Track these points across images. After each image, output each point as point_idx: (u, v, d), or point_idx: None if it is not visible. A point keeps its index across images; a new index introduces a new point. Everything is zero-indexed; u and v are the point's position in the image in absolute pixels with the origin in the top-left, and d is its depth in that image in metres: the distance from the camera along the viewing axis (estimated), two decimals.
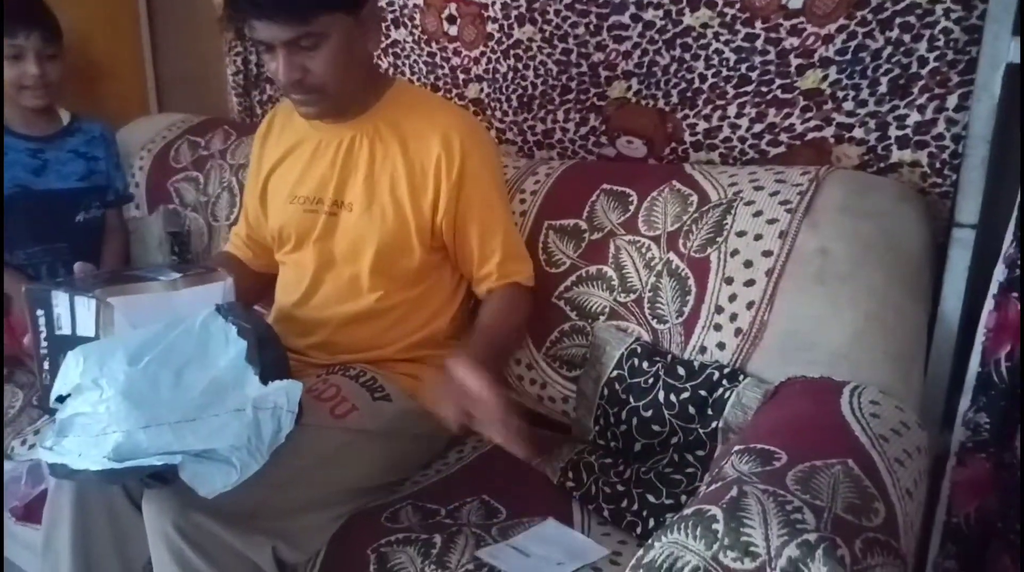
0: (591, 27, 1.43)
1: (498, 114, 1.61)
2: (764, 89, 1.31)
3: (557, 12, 1.45)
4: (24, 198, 1.57)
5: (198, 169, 1.86)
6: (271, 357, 0.99)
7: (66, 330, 1.01)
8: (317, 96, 1.15)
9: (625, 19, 1.39)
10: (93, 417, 0.88)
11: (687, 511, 0.75)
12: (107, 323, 0.98)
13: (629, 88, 1.44)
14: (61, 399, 0.93)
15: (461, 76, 1.63)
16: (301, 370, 1.23)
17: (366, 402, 1.17)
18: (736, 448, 0.87)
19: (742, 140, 1.36)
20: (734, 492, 0.75)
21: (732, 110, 1.35)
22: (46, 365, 1.04)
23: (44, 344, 1.03)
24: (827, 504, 0.73)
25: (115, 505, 1.04)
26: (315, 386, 1.16)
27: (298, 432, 0.98)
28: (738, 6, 1.28)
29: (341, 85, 1.14)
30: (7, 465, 1.36)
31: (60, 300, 1.01)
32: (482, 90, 1.62)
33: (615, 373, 1.19)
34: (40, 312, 1.03)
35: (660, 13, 1.36)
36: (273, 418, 0.94)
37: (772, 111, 1.31)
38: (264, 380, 0.95)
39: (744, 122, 1.35)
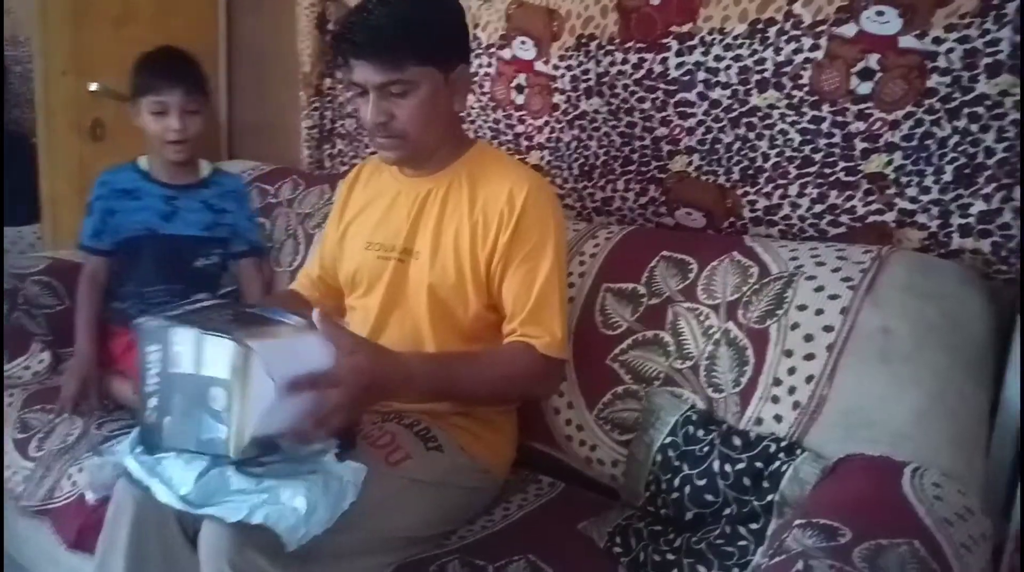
0: (657, 102, 1.48)
1: (558, 181, 1.65)
2: (827, 170, 1.33)
3: (625, 87, 1.51)
4: (150, 241, 1.66)
5: (265, 215, 1.94)
6: (350, 443, 1.06)
7: (186, 369, 0.95)
8: (399, 142, 1.21)
9: (692, 96, 1.44)
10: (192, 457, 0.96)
11: None
12: (244, 367, 0.91)
13: (690, 163, 1.47)
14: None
15: (524, 143, 1.69)
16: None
17: (420, 451, 1.18)
18: (798, 522, 0.86)
19: (802, 219, 1.37)
20: (800, 566, 0.75)
21: (794, 189, 1.37)
22: (154, 402, 0.99)
23: (155, 380, 0.98)
24: None
25: (170, 538, 1.05)
26: (370, 432, 1.18)
27: None
28: (807, 89, 1.32)
29: (422, 135, 1.20)
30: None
31: (183, 337, 0.95)
32: (543, 158, 1.67)
33: (669, 439, 1.19)
34: (154, 348, 0.98)
35: (728, 93, 1.40)
36: (340, 485, 0.98)
37: (834, 193, 1.33)
38: (340, 458, 1.01)
39: (805, 202, 1.36)
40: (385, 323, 1.29)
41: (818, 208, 1.35)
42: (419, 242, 1.26)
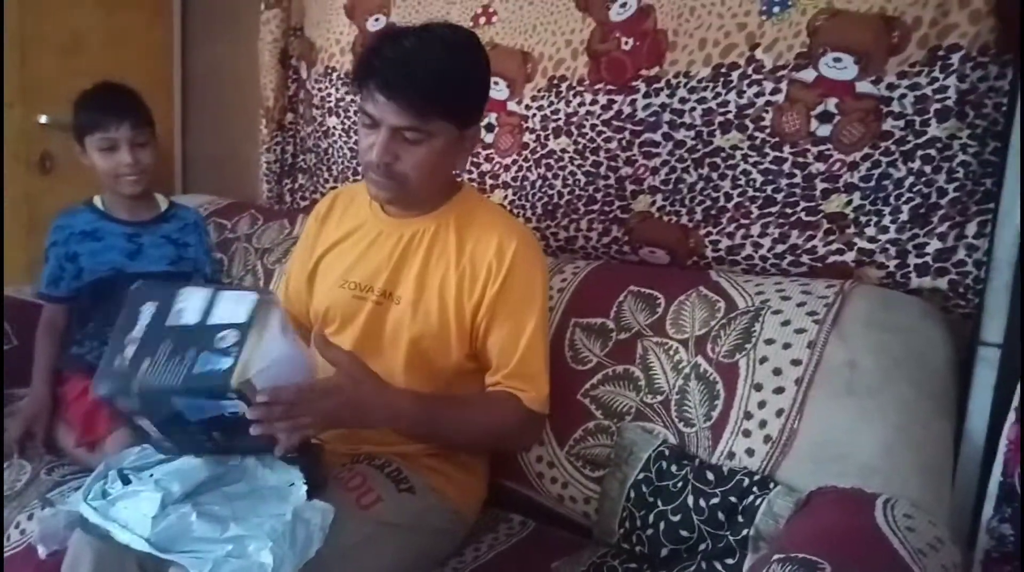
0: (623, 142, 1.51)
1: (520, 219, 1.66)
2: (789, 210, 1.37)
3: (593, 127, 1.54)
4: (117, 280, 1.62)
5: (223, 250, 1.90)
6: (319, 479, 1.03)
7: (188, 321, 0.95)
8: (397, 185, 1.17)
9: (657, 137, 1.47)
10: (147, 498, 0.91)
11: None
12: (263, 317, 0.94)
13: (653, 203, 1.50)
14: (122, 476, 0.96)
15: (489, 181, 1.70)
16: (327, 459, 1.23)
17: (391, 493, 1.16)
18: (776, 556, 0.86)
19: (763, 259, 1.40)
20: None
21: (756, 229, 1.40)
22: (130, 351, 0.96)
23: (138, 333, 0.96)
24: None
25: None
26: (341, 474, 1.15)
27: None
28: (768, 131, 1.36)
29: (423, 184, 1.18)
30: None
31: (191, 294, 0.97)
32: (506, 196, 1.68)
33: (642, 475, 1.19)
34: (149, 305, 0.98)
35: (692, 134, 1.44)
36: (307, 531, 0.95)
37: (795, 232, 1.37)
38: (309, 496, 0.98)
39: (767, 242, 1.39)
40: None
41: (780, 248, 1.39)
42: (401, 286, 1.23)
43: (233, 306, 0.94)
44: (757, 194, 1.39)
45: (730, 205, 1.42)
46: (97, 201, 1.70)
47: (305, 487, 0.99)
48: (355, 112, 1.81)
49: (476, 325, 1.21)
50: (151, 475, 0.96)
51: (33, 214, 2.13)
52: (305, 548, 0.94)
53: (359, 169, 1.43)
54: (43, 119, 2.15)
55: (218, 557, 0.89)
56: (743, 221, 1.41)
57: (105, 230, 1.66)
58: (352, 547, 1.05)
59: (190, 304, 0.96)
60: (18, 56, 2.09)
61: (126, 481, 0.96)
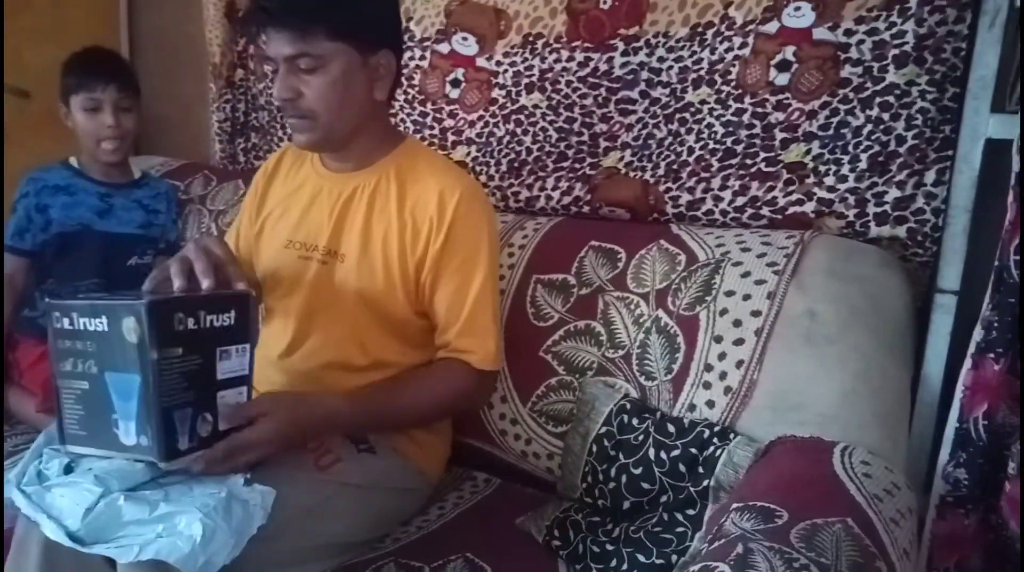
0: (599, 99, 1.49)
1: (483, 177, 1.63)
2: (749, 162, 1.35)
3: (568, 83, 1.51)
4: (85, 236, 1.65)
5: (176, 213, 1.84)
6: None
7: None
8: (308, 123, 1.14)
9: (634, 94, 1.46)
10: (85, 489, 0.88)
11: (694, 568, 0.75)
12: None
13: (622, 159, 1.48)
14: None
15: (451, 137, 1.66)
16: None
17: (351, 454, 1.14)
18: (735, 505, 0.86)
19: (723, 214, 1.39)
20: (739, 549, 0.75)
21: (716, 182, 1.38)
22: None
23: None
24: (832, 562, 0.74)
25: (87, 559, 0.98)
26: None
27: (282, 483, 0.97)
28: (733, 83, 1.35)
29: (332, 117, 1.13)
30: None
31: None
32: (469, 153, 1.65)
33: (604, 429, 1.19)
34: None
35: (667, 91, 1.43)
36: (244, 509, 0.92)
37: (755, 184, 1.35)
38: (248, 483, 0.95)
39: (727, 194, 1.38)
40: (310, 326, 1.22)
41: (740, 201, 1.37)
42: (344, 243, 1.20)
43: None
44: (718, 147, 1.37)
45: (692, 159, 1.40)
46: (73, 161, 1.71)
47: (246, 476, 0.96)
48: None
49: (421, 283, 1.18)
50: (90, 468, 0.91)
51: None
52: (244, 525, 0.91)
53: None
54: None
55: (146, 540, 0.85)
56: (704, 174, 1.39)
57: (78, 186, 1.68)
58: (309, 510, 1.04)
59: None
60: None
61: (68, 470, 0.92)
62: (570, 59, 1.51)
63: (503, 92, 1.59)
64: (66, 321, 0.87)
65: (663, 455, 1.11)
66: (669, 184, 1.42)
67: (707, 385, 1.15)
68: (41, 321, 1.61)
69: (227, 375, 0.93)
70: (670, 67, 1.43)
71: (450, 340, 1.18)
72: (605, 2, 1.48)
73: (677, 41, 1.41)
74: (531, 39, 1.56)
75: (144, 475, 0.91)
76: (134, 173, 1.78)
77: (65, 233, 1.64)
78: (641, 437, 1.14)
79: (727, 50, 1.35)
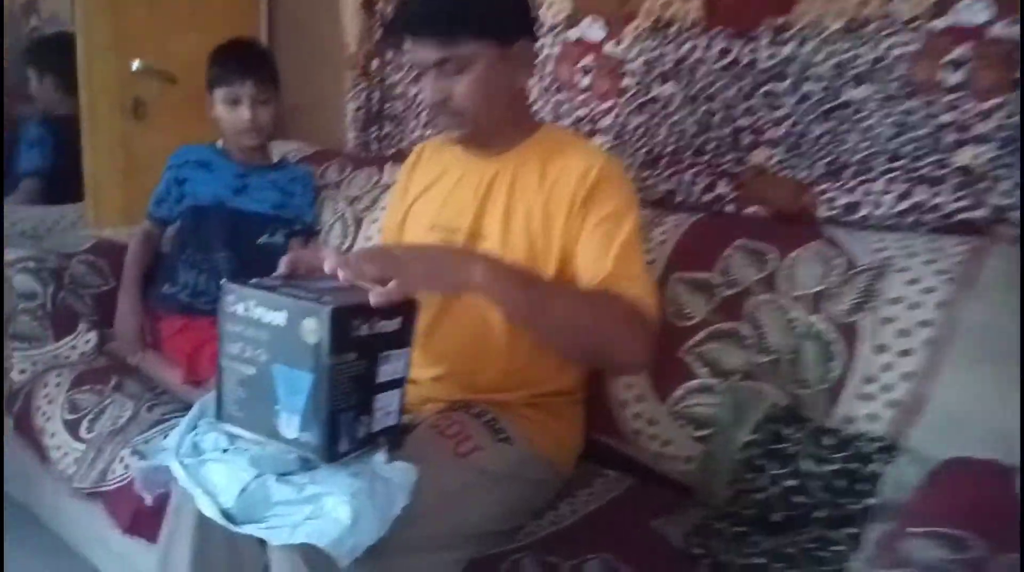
0: (743, 92, 1.42)
1: None
2: (916, 164, 1.27)
3: (708, 73, 1.45)
4: (217, 211, 1.72)
5: None
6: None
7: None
8: (459, 120, 1.18)
9: (782, 88, 1.38)
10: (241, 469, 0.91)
11: None
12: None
13: (772, 157, 1.41)
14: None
15: (586, 127, 1.64)
16: (420, 403, 1.21)
17: (489, 442, 1.14)
18: (914, 530, 0.80)
19: (883, 218, 1.30)
20: None
21: (878, 186, 1.31)
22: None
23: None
24: None
25: (236, 536, 1.01)
26: (437, 422, 1.13)
27: (422, 465, 0.96)
28: (899, 81, 1.26)
29: (482, 112, 1.17)
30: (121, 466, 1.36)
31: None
32: (604, 143, 1.61)
33: (752, 437, 1.14)
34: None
35: (821, 86, 1.35)
36: (387, 488, 0.92)
37: (921, 188, 1.27)
38: (390, 461, 0.95)
39: (888, 199, 1.30)
40: (450, 309, 1.23)
41: (903, 205, 1.29)
42: (487, 224, 1.22)
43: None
44: (882, 148, 1.29)
45: (854, 160, 1.32)
46: (218, 143, 1.79)
47: (386, 452, 0.95)
48: None
49: (565, 252, 1.16)
50: (246, 449, 0.93)
51: (128, 157, 2.18)
52: (387, 506, 0.91)
53: None
54: (135, 66, 2.17)
55: (296, 522, 0.87)
56: (865, 176, 1.31)
57: (217, 164, 1.76)
58: (452, 494, 1.04)
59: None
60: (109, 5, 2.11)
61: (224, 449, 0.95)
62: (708, 47, 1.45)
63: (633, 80, 1.55)
64: (240, 306, 0.88)
65: (819, 468, 1.05)
66: (826, 185, 1.35)
67: (868, 397, 1.08)
68: (181, 297, 1.69)
69: (386, 378, 0.93)
70: (824, 61, 1.34)
71: (597, 280, 1.11)
72: None
73: (831, 34, 1.33)
74: (662, 24, 1.51)
75: (295, 465, 0.92)
76: (272, 158, 1.84)
77: (199, 206, 1.73)
78: (794, 448, 1.09)
79: (890, 47, 1.27)
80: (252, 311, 0.87)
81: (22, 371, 1.65)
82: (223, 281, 0.90)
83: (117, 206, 2.15)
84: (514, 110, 1.23)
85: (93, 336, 1.74)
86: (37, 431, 1.54)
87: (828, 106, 1.35)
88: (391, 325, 0.92)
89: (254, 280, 0.91)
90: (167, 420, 1.44)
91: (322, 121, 2.25)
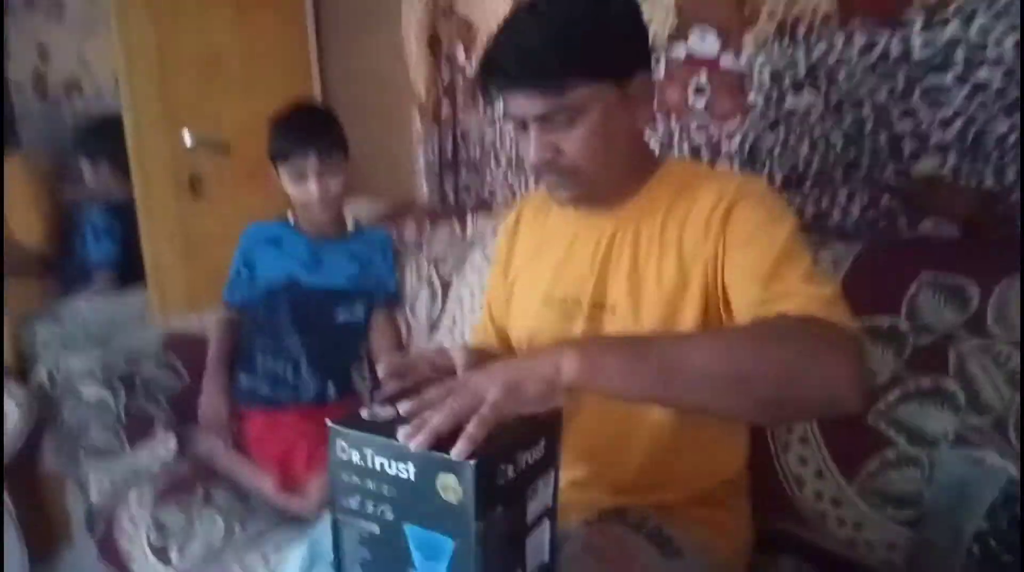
0: (896, 91, 1.19)
1: None
2: None
3: (850, 76, 1.23)
4: (290, 290, 1.59)
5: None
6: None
7: None
8: (571, 179, 0.97)
9: (947, 80, 1.14)
10: None
11: None
12: None
13: (944, 163, 1.17)
14: None
15: (706, 154, 1.42)
16: (563, 513, 1.01)
17: (657, 560, 0.93)
18: None
19: None
20: None
21: None
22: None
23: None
24: None
25: None
26: (591, 541, 0.92)
27: None
28: None
29: (599, 167, 0.96)
30: None
31: None
32: (734, 168, 1.40)
33: (988, 525, 0.91)
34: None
35: (1000, 72, 1.09)
36: None
37: None
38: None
39: None
40: (583, 396, 1.02)
41: None
42: (612, 293, 1.01)
43: None
44: None
45: None
46: (288, 215, 1.65)
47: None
48: None
49: (707, 291, 0.93)
50: None
51: (188, 239, 2.05)
52: None
53: None
54: (188, 141, 2.05)
55: None
56: None
57: (288, 239, 1.62)
58: None
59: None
60: (158, 77, 2.00)
61: None
62: (847, 44, 1.22)
63: (761, 95, 1.33)
64: (355, 454, 0.70)
65: None
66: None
67: None
68: (261, 389, 1.55)
69: (535, 516, 0.75)
70: (999, 40, 1.09)
71: (755, 299, 0.86)
72: None
73: (1005, 7, 1.08)
74: (787, 25, 1.28)
75: None
76: (348, 224, 1.68)
77: (271, 290, 1.59)
78: None
79: None
80: (370, 461, 0.69)
81: (100, 491, 1.51)
82: (328, 423, 0.72)
83: (180, 291, 2.02)
84: (632, 155, 1.02)
85: (172, 440, 1.60)
86: (124, 556, 1.39)
87: (1012, 97, 1.09)
88: (536, 452, 0.73)
89: (364, 413, 0.73)
90: (265, 537, 1.27)
91: (390, 172, 2.09)
